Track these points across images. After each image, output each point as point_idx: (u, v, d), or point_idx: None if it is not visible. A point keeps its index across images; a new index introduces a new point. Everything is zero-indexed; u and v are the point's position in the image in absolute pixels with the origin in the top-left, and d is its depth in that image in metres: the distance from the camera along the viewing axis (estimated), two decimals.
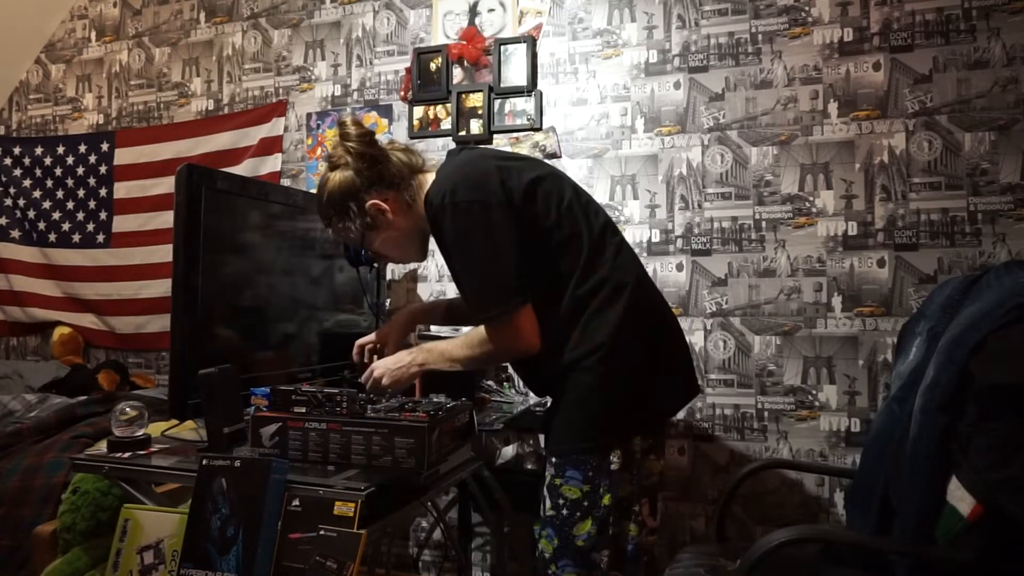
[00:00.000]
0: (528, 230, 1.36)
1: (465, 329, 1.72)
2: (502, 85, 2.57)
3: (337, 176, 1.43)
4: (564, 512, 1.34)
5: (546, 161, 1.57)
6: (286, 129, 2.90)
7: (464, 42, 2.63)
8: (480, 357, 1.40)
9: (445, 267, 2.65)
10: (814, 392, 2.24)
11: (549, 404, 1.47)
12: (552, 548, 1.36)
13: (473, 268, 1.34)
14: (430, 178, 1.45)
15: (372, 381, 1.48)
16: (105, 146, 3.17)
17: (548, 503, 1.37)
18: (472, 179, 1.35)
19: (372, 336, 1.69)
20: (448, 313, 1.76)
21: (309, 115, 2.86)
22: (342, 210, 1.44)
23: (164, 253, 2.96)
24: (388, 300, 2.64)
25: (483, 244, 1.32)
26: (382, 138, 1.80)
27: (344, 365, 2.00)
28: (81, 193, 3.19)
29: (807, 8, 2.30)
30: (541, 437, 2.47)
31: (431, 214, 1.37)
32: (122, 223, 3.13)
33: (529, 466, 2.50)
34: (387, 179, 1.43)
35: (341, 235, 1.50)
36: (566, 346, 1.37)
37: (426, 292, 2.68)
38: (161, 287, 3.00)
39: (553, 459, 1.37)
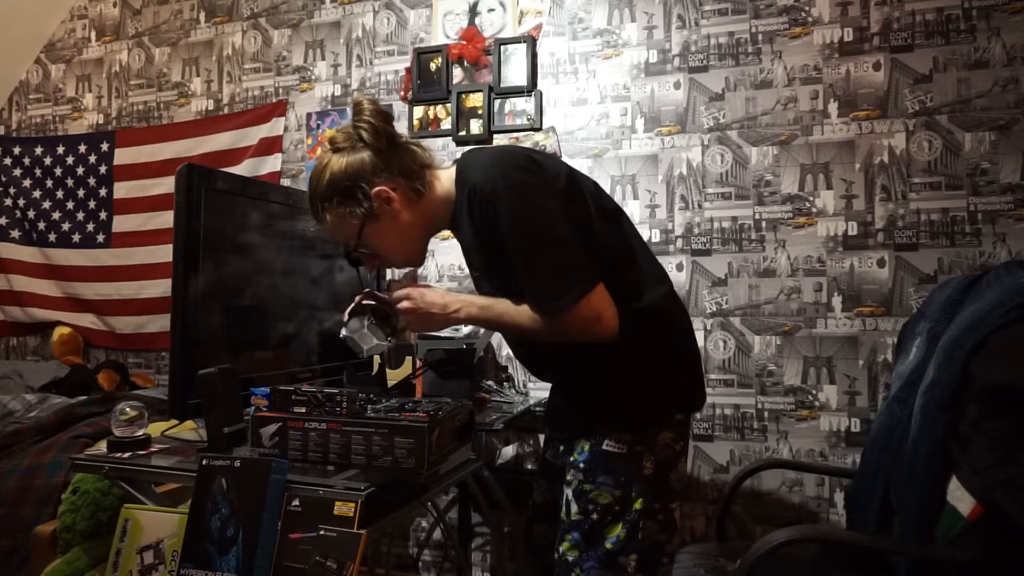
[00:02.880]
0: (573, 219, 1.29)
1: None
2: (502, 85, 2.57)
3: (344, 158, 1.32)
4: (594, 516, 1.31)
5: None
6: (286, 129, 2.90)
7: (464, 42, 2.63)
8: (548, 337, 1.28)
9: (445, 267, 2.65)
10: (814, 392, 2.24)
11: (568, 395, 1.40)
12: (577, 552, 1.32)
13: (541, 251, 1.23)
14: (441, 174, 1.37)
15: (401, 306, 1.35)
16: (105, 146, 3.17)
17: (575, 508, 1.33)
18: (519, 163, 1.28)
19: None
20: None
21: (309, 115, 2.86)
22: (346, 194, 1.30)
23: (164, 253, 2.96)
24: None
25: (547, 224, 1.24)
26: None
27: (344, 365, 2.00)
28: (81, 193, 3.19)
29: (807, 8, 2.30)
30: (542, 437, 2.47)
31: (481, 203, 1.25)
32: (122, 223, 3.13)
33: (529, 466, 2.50)
34: (399, 166, 1.32)
35: (334, 229, 1.36)
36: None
37: None
38: (161, 287, 3.00)
39: (582, 465, 1.32)
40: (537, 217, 1.23)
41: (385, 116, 1.34)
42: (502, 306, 1.32)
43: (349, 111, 1.43)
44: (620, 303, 1.30)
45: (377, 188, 1.30)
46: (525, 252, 1.24)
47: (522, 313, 1.29)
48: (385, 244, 1.37)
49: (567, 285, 1.22)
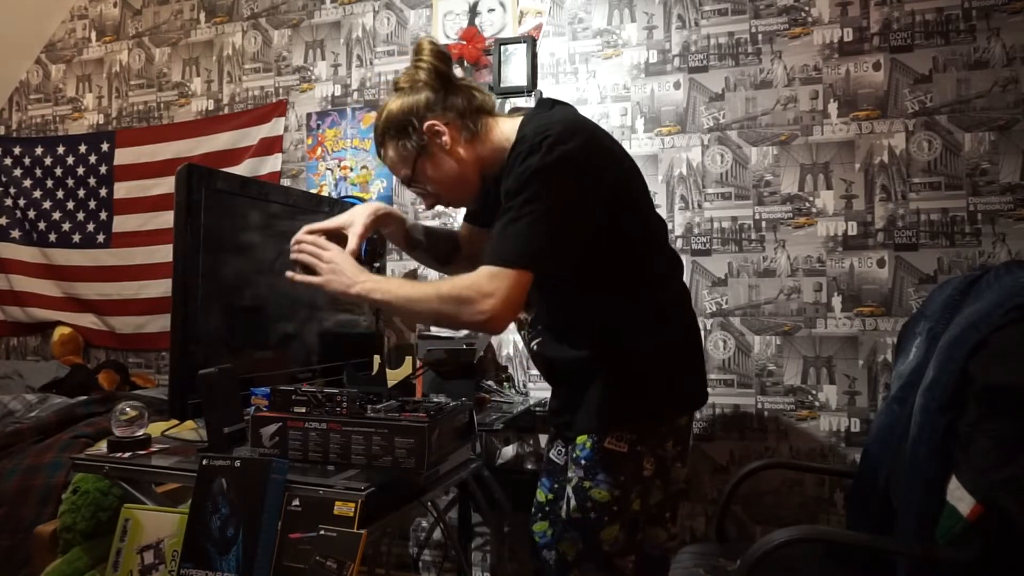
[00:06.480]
0: (620, 207, 1.31)
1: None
2: (502, 85, 2.56)
3: (402, 98, 1.35)
4: (592, 515, 1.30)
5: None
6: (286, 129, 2.90)
7: (464, 42, 2.63)
8: (441, 306, 1.22)
9: None
10: (814, 392, 2.24)
11: (571, 393, 1.38)
12: (575, 551, 1.32)
13: (529, 216, 1.19)
14: (503, 121, 1.38)
15: (311, 259, 1.35)
16: (105, 146, 3.17)
17: (573, 503, 1.33)
18: (580, 135, 1.25)
19: (332, 222, 1.44)
20: (407, 238, 1.58)
21: (309, 115, 2.86)
22: (400, 128, 1.34)
23: (164, 253, 2.96)
24: None
25: (557, 206, 1.21)
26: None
27: (344, 365, 2.00)
28: (81, 193, 3.19)
29: (807, 8, 2.30)
30: (542, 437, 2.47)
31: (519, 151, 1.24)
32: (122, 223, 3.13)
33: (529, 466, 2.50)
34: (453, 104, 1.34)
35: (393, 164, 1.40)
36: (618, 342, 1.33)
37: None
38: (161, 287, 3.00)
39: (583, 461, 1.33)
40: (552, 191, 1.20)
41: (444, 57, 1.37)
42: (407, 286, 1.31)
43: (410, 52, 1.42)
44: (642, 295, 1.33)
45: (429, 122, 1.33)
46: (515, 204, 1.21)
47: (418, 285, 1.29)
48: (436, 180, 1.38)
49: (525, 254, 1.19)
